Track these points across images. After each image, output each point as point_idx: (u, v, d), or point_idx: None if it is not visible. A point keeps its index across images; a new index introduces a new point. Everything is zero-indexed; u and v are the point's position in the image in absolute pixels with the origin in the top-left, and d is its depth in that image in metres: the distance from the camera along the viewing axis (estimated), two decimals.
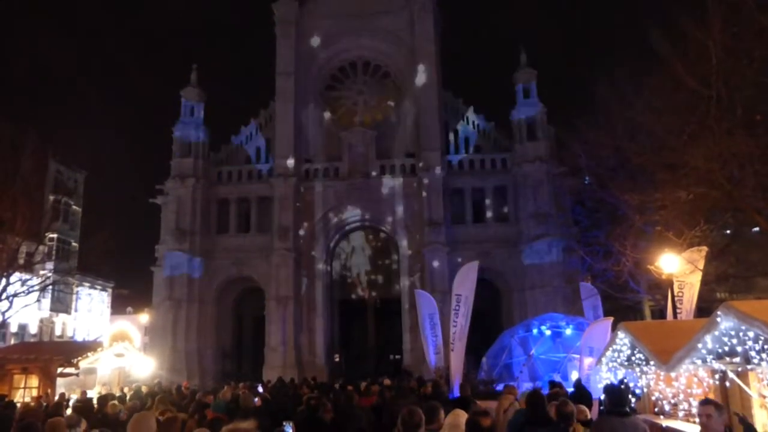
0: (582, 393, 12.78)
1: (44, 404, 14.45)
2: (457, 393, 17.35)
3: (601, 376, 12.60)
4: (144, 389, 19.01)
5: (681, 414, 10.28)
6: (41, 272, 35.73)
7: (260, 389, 19.05)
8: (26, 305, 30.58)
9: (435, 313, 22.25)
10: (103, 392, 16.88)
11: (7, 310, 28.25)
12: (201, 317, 38.99)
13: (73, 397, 17.64)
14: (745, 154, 16.54)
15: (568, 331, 21.28)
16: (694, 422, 9.83)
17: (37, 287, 32.00)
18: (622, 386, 12.51)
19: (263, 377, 31.30)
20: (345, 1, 42.44)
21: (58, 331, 46.36)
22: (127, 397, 16.05)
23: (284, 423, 7.48)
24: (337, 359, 40.31)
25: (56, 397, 16.86)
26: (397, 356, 39.12)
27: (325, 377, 31.76)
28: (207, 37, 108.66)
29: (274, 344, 36.94)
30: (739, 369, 8.08)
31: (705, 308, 18.94)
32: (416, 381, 20.16)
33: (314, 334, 38.49)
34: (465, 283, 20.46)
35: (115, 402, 11.87)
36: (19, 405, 13.89)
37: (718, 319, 7.89)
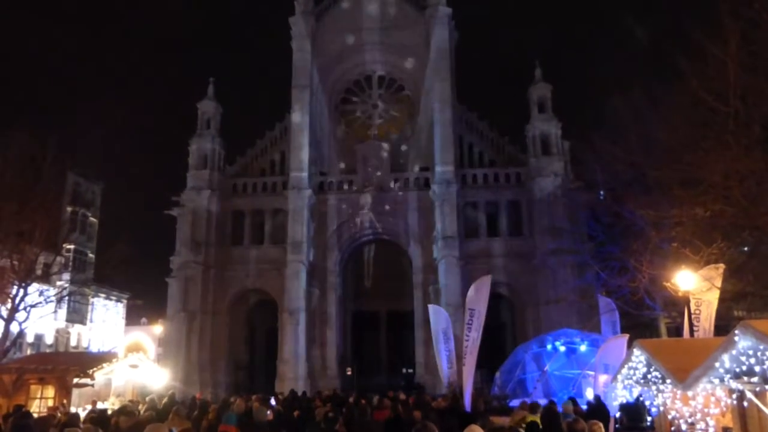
0: (599, 409, 12.68)
1: (58, 414, 14.49)
2: (468, 407, 17.27)
3: (617, 393, 12.46)
4: (157, 400, 19.01)
5: None
6: (58, 283, 36.07)
7: (273, 402, 18.99)
8: (42, 316, 30.85)
9: (448, 327, 22.22)
10: (118, 404, 16.95)
11: (24, 321, 28.50)
12: (214, 329, 39.16)
13: (86, 407, 17.70)
14: (763, 172, 16.40)
15: (583, 348, 21.12)
16: None
17: (53, 298, 32.26)
18: (638, 403, 12.40)
19: (275, 389, 31.28)
20: (361, 16, 42.90)
21: (73, 342, 46.67)
22: (139, 408, 16.04)
23: None
24: (350, 372, 40.21)
25: (72, 408, 16.95)
26: (410, 370, 38.96)
27: (337, 390, 31.68)
28: (224, 50, 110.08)
29: (287, 356, 36.96)
30: (757, 389, 7.98)
31: (722, 326, 18.70)
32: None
33: (326, 346, 38.49)
34: (478, 297, 20.39)
35: (127, 417, 11.79)
36: (36, 415, 13.95)
37: (736, 338, 7.80)
